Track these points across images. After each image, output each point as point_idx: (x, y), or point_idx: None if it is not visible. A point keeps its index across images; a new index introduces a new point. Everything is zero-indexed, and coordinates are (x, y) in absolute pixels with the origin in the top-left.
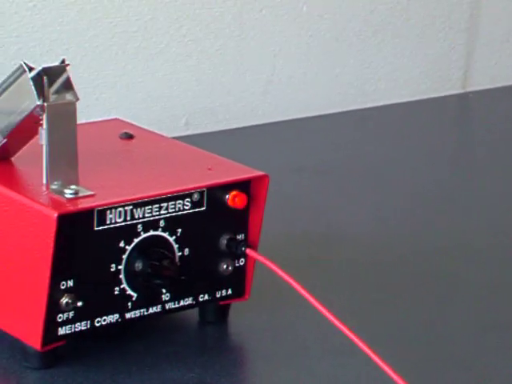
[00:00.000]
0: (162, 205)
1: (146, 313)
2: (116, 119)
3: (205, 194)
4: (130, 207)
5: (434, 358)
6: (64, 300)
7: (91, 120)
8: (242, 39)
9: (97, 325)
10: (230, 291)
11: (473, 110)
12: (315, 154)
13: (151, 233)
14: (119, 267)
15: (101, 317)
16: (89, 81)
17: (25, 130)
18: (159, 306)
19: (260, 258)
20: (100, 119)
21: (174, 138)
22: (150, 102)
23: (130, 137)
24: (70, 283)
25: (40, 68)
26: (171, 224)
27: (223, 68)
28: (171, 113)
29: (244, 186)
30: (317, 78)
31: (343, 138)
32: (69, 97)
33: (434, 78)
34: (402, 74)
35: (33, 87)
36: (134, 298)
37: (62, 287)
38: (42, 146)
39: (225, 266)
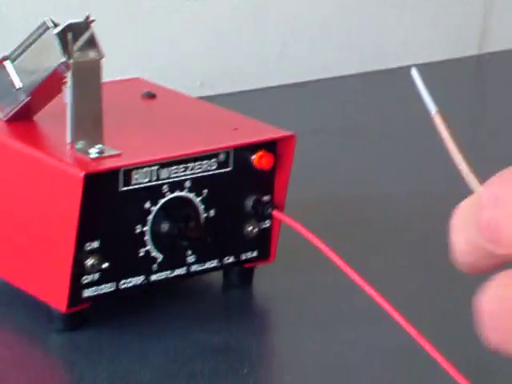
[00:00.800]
0: (187, 165)
1: (171, 275)
2: (137, 78)
3: (231, 154)
4: (156, 167)
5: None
6: (89, 261)
7: (108, 79)
8: None
9: (122, 287)
10: (255, 253)
11: (490, 71)
12: (334, 115)
13: (177, 193)
14: (144, 228)
15: (126, 279)
16: (103, 40)
17: (48, 88)
18: (184, 269)
19: (287, 220)
20: (119, 78)
21: None
22: (165, 62)
23: (152, 96)
24: (96, 244)
25: (65, 24)
26: (197, 185)
27: (239, 29)
28: (186, 73)
29: (270, 146)
30: (334, 41)
31: (362, 100)
32: (93, 54)
33: (451, 40)
34: (419, 35)
35: (57, 44)
36: (159, 260)
37: (88, 248)
38: (66, 104)
39: (250, 228)
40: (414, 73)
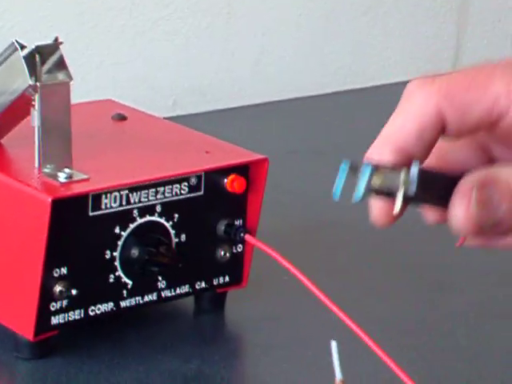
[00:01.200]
0: (158, 189)
1: (141, 301)
2: (108, 100)
3: (202, 178)
4: (126, 192)
5: (438, 349)
6: (57, 288)
7: (77, 101)
8: (230, 17)
9: (91, 314)
10: (227, 278)
11: None
12: (307, 135)
13: (147, 218)
14: (114, 254)
15: (95, 305)
16: (73, 60)
17: (16, 110)
18: (155, 294)
19: (259, 245)
20: (90, 100)
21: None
22: (137, 82)
23: (123, 118)
24: (64, 270)
25: (33, 46)
26: (168, 209)
27: (211, 47)
28: (158, 93)
29: (243, 169)
30: (306, 58)
31: (334, 119)
32: (62, 76)
33: (425, 58)
34: (393, 53)
35: (25, 66)
36: (129, 286)
37: (56, 274)
38: (33, 127)
39: (222, 253)
40: (334, 345)
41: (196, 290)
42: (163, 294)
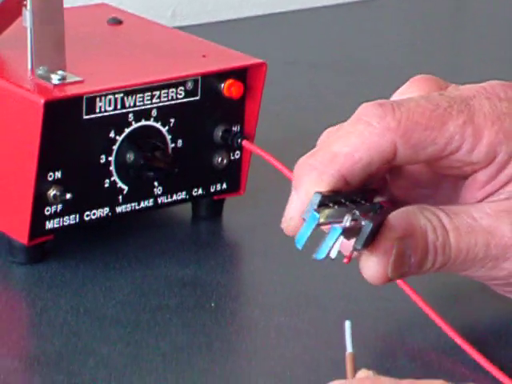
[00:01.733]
0: (154, 93)
1: (137, 207)
2: (103, 4)
3: (199, 82)
4: (121, 95)
5: None
6: (52, 192)
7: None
8: None
9: (86, 219)
10: (224, 185)
11: None
12: (309, 47)
13: (143, 123)
14: (109, 158)
15: (90, 210)
16: None
17: (7, 11)
18: (151, 200)
19: (257, 150)
20: (84, 4)
21: None
22: None
23: (118, 22)
24: (58, 174)
25: None
26: (164, 114)
27: None
28: (157, 3)
29: (240, 74)
30: None
31: (336, 32)
32: None
33: None
34: None
35: None
36: (124, 192)
37: (50, 178)
38: (26, 28)
39: (219, 159)
40: (348, 325)
41: (193, 197)
42: (159, 200)
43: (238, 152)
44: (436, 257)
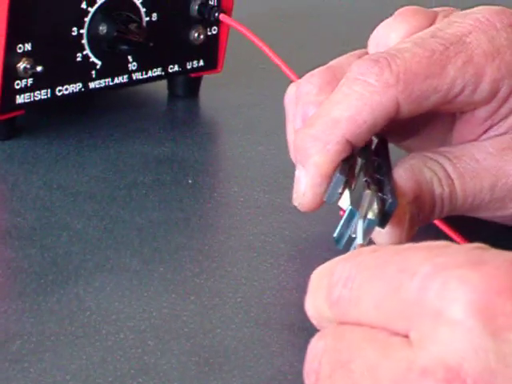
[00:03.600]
0: None
1: (111, 83)
2: None
3: None
4: None
5: None
6: (22, 65)
7: None
8: None
9: (58, 94)
10: (201, 62)
11: None
12: None
13: None
14: (81, 31)
15: (62, 85)
16: None
17: None
18: (125, 76)
19: (234, 25)
20: None
21: None
22: None
23: None
24: (28, 46)
25: None
26: None
27: None
28: None
29: None
30: None
31: None
32: None
33: None
34: None
35: None
36: (98, 66)
37: (19, 51)
38: None
39: (196, 34)
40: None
41: (169, 74)
42: (134, 76)
43: (215, 27)
44: (443, 208)
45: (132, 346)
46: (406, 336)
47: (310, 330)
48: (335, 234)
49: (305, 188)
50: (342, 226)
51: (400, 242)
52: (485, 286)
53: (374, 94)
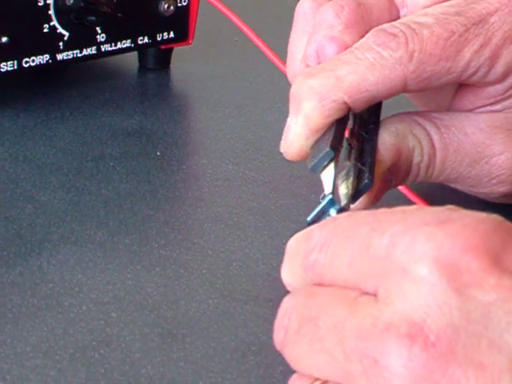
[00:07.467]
0: None
1: (79, 54)
2: None
3: None
4: None
5: None
6: None
7: None
8: None
9: (25, 66)
10: (171, 34)
11: None
12: None
13: None
14: (48, 1)
15: (29, 57)
16: None
17: None
18: (94, 48)
19: None
20: None
21: None
22: None
23: None
24: None
25: None
26: None
27: None
28: None
29: None
30: None
31: None
32: None
33: None
34: None
35: None
36: (65, 38)
37: None
38: None
39: (166, 6)
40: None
41: (138, 46)
42: (103, 48)
43: None
44: (416, 177)
45: (94, 317)
46: (376, 295)
47: (274, 302)
48: (309, 218)
49: (292, 137)
50: (318, 212)
51: (368, 205)
52: (451, 243)
53: (384, 68)
